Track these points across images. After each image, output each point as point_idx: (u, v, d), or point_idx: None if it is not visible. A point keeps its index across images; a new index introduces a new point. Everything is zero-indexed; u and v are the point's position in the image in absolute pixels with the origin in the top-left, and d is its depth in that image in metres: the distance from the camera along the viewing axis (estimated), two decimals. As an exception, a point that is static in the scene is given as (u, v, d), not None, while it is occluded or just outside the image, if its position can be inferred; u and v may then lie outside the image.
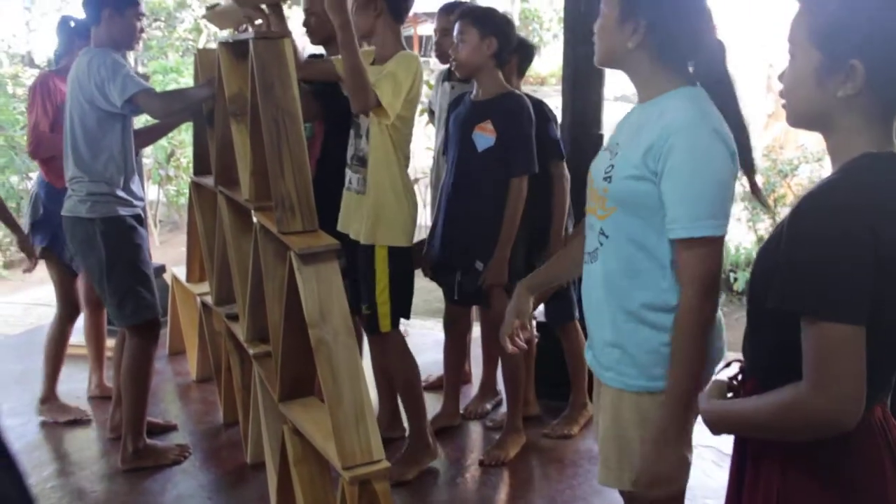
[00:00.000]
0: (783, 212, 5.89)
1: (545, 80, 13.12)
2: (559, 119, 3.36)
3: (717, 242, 1.52)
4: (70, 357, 3.67)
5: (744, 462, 1.33)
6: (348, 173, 2.86)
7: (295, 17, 3.94)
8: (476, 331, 3.77)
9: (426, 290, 4.19)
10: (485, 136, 2.90)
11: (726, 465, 1.40)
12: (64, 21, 3.52)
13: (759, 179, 1.68)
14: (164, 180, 8.48)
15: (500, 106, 2.90)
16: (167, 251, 7.77)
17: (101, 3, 2.94)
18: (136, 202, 3.05)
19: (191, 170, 7.83)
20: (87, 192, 2.94)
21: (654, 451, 1.54)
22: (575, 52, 3.50)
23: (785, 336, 1.17)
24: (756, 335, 1.32)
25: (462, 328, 3.42)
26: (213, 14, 3.01)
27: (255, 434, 3.04)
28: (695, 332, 1.51)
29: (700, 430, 1.40)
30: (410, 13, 2.95)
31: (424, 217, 4.24)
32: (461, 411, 3.48)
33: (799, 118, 1.27)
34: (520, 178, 2.89)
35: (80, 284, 3.58)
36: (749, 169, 1.60)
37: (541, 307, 3.39)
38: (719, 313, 1.65)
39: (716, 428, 1.28)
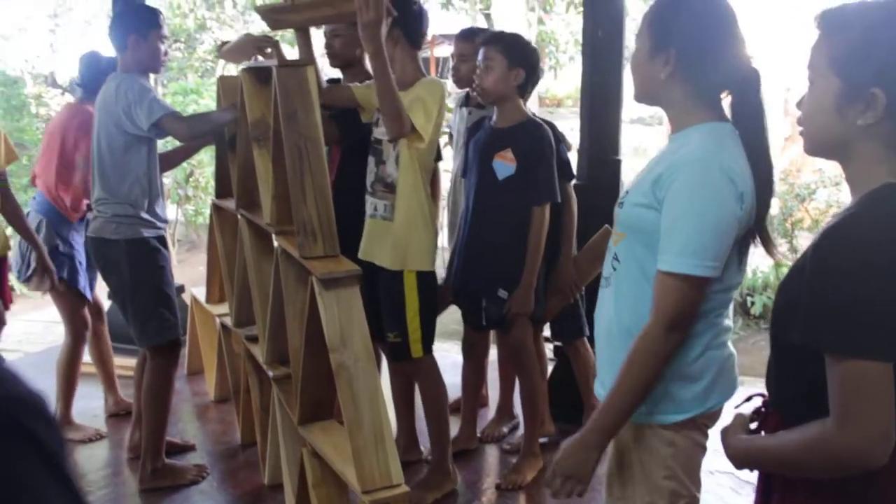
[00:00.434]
0: (800, 236, 5.88)
1: (561, 101, 13.18)
2: (577, 143, 3.38)
3: (697, 282, 1.46)
4: (86, 375, 3.72)
5: (770, 494, 1.32)
6: (371, 200, 2.85)
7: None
8: (492, 354, 3.78)
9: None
10: (505, 165, 2.91)
11: (745, 492, 1.41)
12: (94, 57, 3.61)
13: (775, 204, 1.65)
14: (182, 200, 8.56)
15: (520, 134, 2.91)
16: (185, 270, 7.82)
17: (126, 30, 3.01)
18: (160, 224, 3.10)
19: (209, 189, 7.93)
20: (112, 214, 2.99)
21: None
22: (592, 78, 3.53)
23: (810, 371, 1.16)
24: (780, 369, 1.30)
25: (481, 352, 3.42)
26: (225, 51, 3.07)
27: (273, 455, 3.05)
28: (647, 361, 1.48)
29: (720, 458, 1.40)
30: (427, 36, 2.99)
31: (441, 239, 4.26)
32: (478, 434, 3.48)
33: (817, 146, 1.25)
34: (542, 207, 2.90)
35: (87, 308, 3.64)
36: (762, 209, 1.54)
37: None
38: (730, 348, 1.64)
39: (739, 463, 1.27)
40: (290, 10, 2.59)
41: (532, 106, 3.18)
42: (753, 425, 1.34)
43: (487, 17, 11.69)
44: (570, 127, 3.39)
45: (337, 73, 3.23)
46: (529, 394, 3.11)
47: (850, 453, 1.09)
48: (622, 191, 1.73)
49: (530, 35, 10.64)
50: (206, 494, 3.09)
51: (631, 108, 3.42)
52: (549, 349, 3.83)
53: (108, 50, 3.29)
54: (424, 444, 3.24)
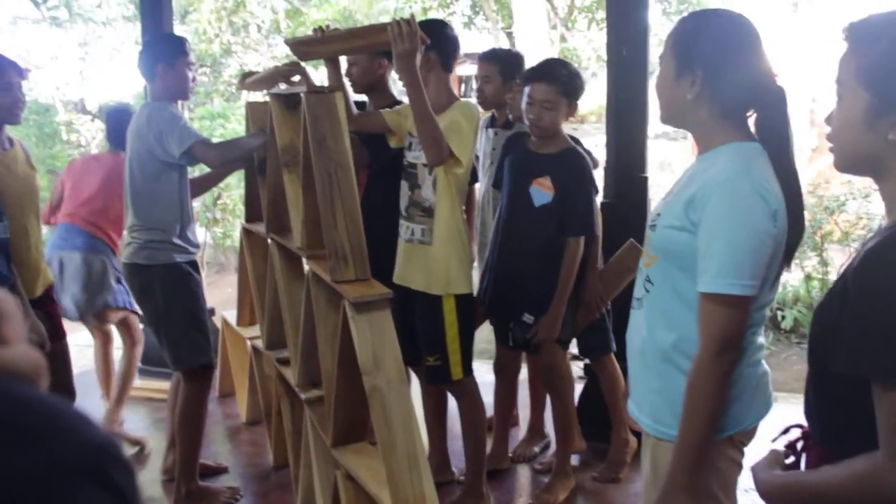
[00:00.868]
0: (830, 248, 5.81)
1: (585, 117, 13.17)
2: (602, 160, 3.39)
3: (739, 302, 1.46)
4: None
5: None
6: (407, 224, 2.85)
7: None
8: (523, 373, 3.77)
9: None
10: (542, 192, 2.90)
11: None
12: (119, 111, 3.76)
13: (805, 216, 1.63)
14: (211, 223, 8.66)
15: (561, 163, 2.90)
16: (214, 293, 7.88)
17: (153, 60, 3.07)
18: (192, 249, 3.14)
19: (237, 212, 8.01)
20: (145, 240, 3.04)
21: (661, 499, 1.53)
22: (618, 96, 3.53)
23: (855, 401, 1.11)
24: (821, 399, 1.25)
25: (513, 372, 3.42)
26: (250, 82, 3.12)
27: (305, 478, 3.06)
28: (706, 389, 1.48)
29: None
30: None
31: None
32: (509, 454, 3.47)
33: (847, 163, 1.22)
34: (577, 239, 2.89)
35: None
36: (796, 226, 1.54)
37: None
38: (764, 366, 1.64)
39: (774, 500, 1.23)
40: (319, 41, 2.62)
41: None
42: (789, 460, 1.31)
43: (509, 35, 11.75)
44: (594, 143, 3.40)
45: (362, 97, 3.27)
46: (562, 414, 3.10)
47: None
48: (650, 209, 1.73)
49: (553, 52, 10.67)
50: (239, 517, 3.11)
51: (656, 123, 3.42)
52: (577, 366, 3.81)
53: (136, 77, 3.38)
54: (456, 465, 3.24)
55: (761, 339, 1.64)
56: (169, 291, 3.04)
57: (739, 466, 1.64)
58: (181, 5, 11.14)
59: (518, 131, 3.18)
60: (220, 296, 7.31)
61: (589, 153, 3.22)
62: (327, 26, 2.75)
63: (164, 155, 2.97)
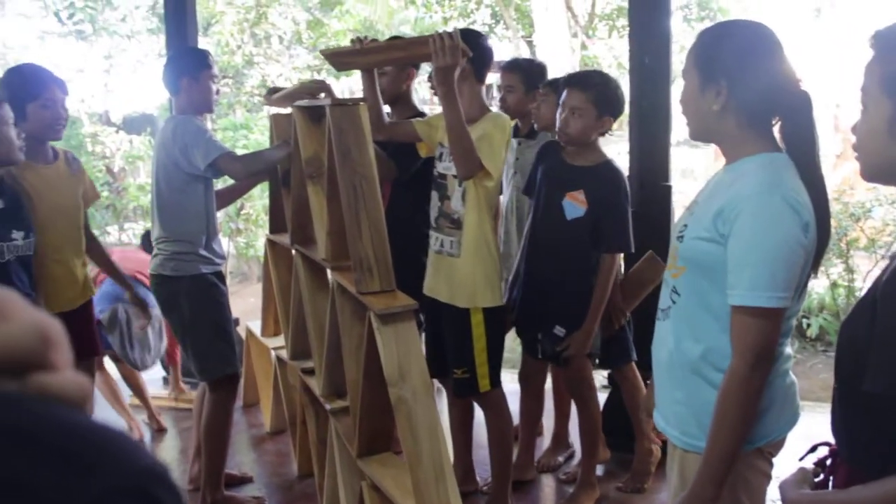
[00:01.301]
0: (856, 255, 5.74)
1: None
2: (625, 168, 3.38)
3: (773, 314, 1.46)
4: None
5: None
6: (436, 235, 2.83)
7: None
8: (547, 383, 3.76)
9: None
10: (575, 206, 2.84)
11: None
12: None
13: (831, 223, 1.61)
14: (234, 233, 8.73)
15: (596, 177, 2.84)
16: (237, 302, 7.89)
17: (178, 74, 3.10)
18: (217, 260, 3.17)
19: (260, 222, 8.06)
20: (172, 252, 3.07)
21: None
22: (641, 104, 3.52)
23: (885, 419, 1.11)
24: (850, 416, 1.24)
25: (539, 382, 3.40)
26: (275, 99, 3.15)
27: (330, 488, 3.07)
28: (739, 400, 1.48)
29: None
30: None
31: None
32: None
33: (874, 172, 1.21)
34: (613, 255, 2.87)
35: None
36: (822, 235, 1.53)
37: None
38: (792, 376, 1.63)
39: None
40: (357, 53, 2.64)
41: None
42: (818, 478, 1.30)
43: (530, 43, 11.75)
44: (616, 151, 3.39)
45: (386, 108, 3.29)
46: (588, 425, 3.09)
47: None
48: (675, 219, 1.72)
49: (573, 61, 10.66)
50: (265, 526, 3.13)
51: (678, 130, 3.41)
52: (601, 375, 3.80)
53: (160, 88, 3.42)
54: (480, 475, 3.23)
55: (789, 350, 1.63)
56: (195, 302, 3.07)
57: (768, 478, 1.63)
58: (204, 17, 11.27)
59: (550, 140, 3.15)
60: (243, 305, 7.35)
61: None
62: (365, 37, 2.78)
63: (189, 167, 3.00)
